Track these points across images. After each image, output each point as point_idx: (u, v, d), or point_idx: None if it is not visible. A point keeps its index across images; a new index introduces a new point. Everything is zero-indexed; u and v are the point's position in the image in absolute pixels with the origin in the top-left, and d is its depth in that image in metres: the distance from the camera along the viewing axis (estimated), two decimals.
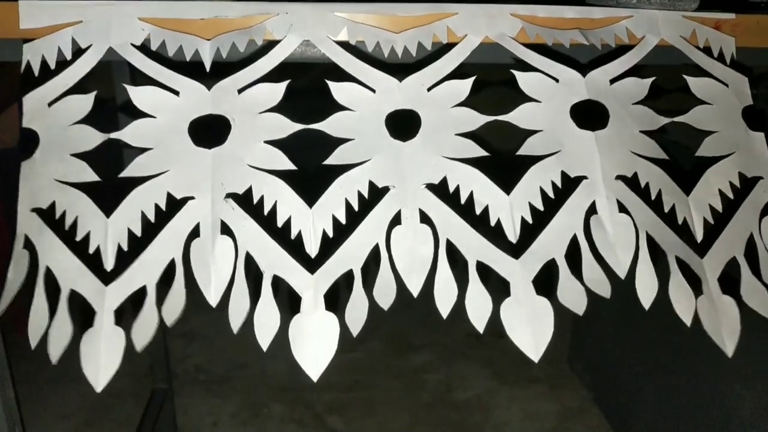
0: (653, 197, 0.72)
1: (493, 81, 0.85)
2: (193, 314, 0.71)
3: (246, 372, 1.90)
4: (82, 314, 0.67)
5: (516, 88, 0.75)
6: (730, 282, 0.71)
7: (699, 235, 0.72)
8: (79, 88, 0.71)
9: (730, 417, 1.19)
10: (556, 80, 0.75)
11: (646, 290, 0.68)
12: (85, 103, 0.70)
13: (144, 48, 0.72)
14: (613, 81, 0.76)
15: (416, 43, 0.75)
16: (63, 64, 0.71)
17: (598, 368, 1.66)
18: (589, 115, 0.74)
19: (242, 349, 1.91)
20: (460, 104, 0.73)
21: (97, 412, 1.73)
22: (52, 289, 0.67)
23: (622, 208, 0.70)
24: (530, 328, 0.66)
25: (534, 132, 0.73)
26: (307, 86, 0.79)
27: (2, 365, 0.77)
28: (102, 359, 0.64)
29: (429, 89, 0.74)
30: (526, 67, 0.75)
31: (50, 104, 0.70)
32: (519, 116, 0.73)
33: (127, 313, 0.67)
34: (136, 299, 0.67)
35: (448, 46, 0.75)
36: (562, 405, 1.64)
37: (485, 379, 1.85)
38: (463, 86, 0.74)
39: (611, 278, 0.68)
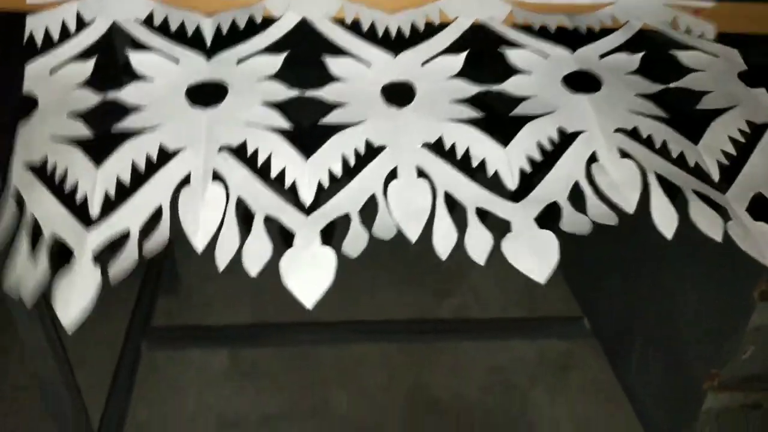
0: (658, 146, 0.70)
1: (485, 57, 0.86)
2: None
3: None
4: (61, 260, 0.64)
5: (506, 64, 0.76)
6: (758, 214, 0.66)
7: (715, 176, 0.68)
8: (81, 58, 0.72)
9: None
10: (546, 56, 0.76)
11: (665, 219, 0.64)
12: (85, 67, 0.72)
13: (147, 22, 0.74)
14: (602, 56, 0.77)
15: (409, 24, 0.78)
16: (65, 36, 0.74)
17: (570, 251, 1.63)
18: (582, 83, 0.74)
19: None
20: (454, 76, 0.74)
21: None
22: (35, 237, 0.65)
23: (625, 155, 0.68)
24: (534, 254, 0.62)
25: (528, 98, 0.73)
26: (306, 58, 0.80)
27: None
28: (74, 297, 0.60)
29: (423, 64, 0.75)
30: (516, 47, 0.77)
31: (51, 72, 0.72)
32: (512, 85, 0.74)
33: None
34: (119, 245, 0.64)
35: (440, 27, 0.78)
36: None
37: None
38: (457, 60, 0.75)
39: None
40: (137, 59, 0.72)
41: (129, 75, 0.71)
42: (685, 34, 0.80)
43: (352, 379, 1.53)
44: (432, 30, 0.78)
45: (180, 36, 0.74)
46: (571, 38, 0.79)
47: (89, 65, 0.72)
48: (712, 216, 0.64)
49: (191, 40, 0.75)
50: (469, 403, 1.50)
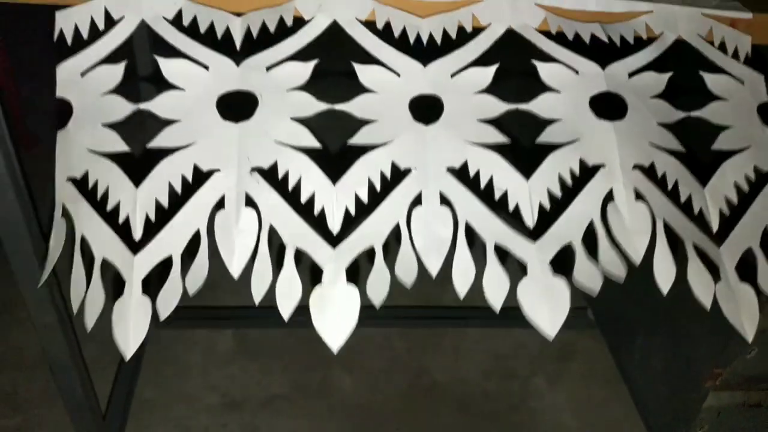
0: (670, 187, 0.73)
1: (515, 69, 0.86)
2: None
3: None
4: (113, 282, 0.69)
5: (537, 78, 0.76)
6: (747, 270, 0.72)
7: (715, 226, 0.73)
8: (111, 59, 0.72)
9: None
10: (576, 72, 0.76)
11: (665, 274, 0.69)
12: (116, 72, 0.71)
13: (175, 21, 0.73)
14: (631, 75, 0.77)
15: (441, 30, 0.76)
16: (95, 33, 0.72)
17: None
18: (609, 105, 0.76)
19: None
20: (483, 91, 0.74)
21: None
22: (88, 255, 0.69)
23: (639, 196, 0.71)
24: (547, 305, 0.67)
25: (554, 121, 0.74)
26: (335, 62, 0.80)
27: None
28: (131, 328, 0.66)
29: (452, 75, 0.75)
30: (548, 58, 0.77)
31: (83, 74, 0.71)
32: (539, 105, 0.75)
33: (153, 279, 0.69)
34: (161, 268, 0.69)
35: (473, 32, 0.77)
36: None
37: None
38: (486, 74, 0.75)
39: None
40: (168, 67, 0.71)
41: (159, 82, 0.70)
42: (717, 51, 0.80)
43: (355, 361, 1.56)
44: (464, 35, 0.77)
45: (209, 36, 0.73)
46: (603, 48, 0.79)
47: (119, 69, 0.71)
48: (706, 281, 0.69)
49: (221, 40, 0.73)
50: (470, 389, 1.53)
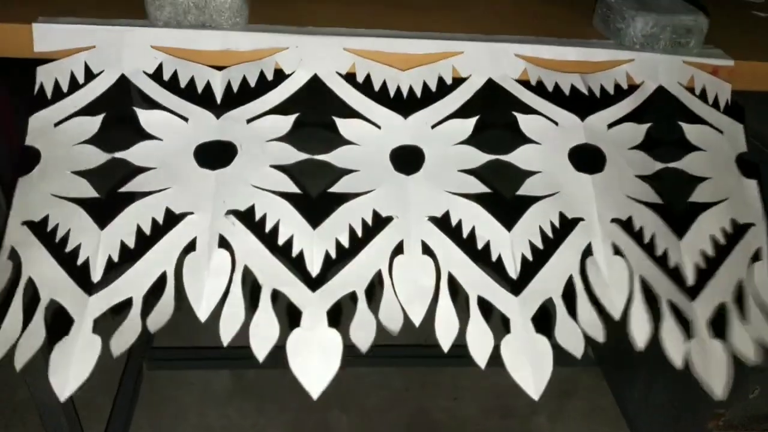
0: (647, 241, 0.74)
1: (495, 121, 0.87)
2: None
3: None
4: (58, 324, 0.65)
5: (517, 129, 0.76)
6: (720, 326, 0.73)
7: (690, 280, 0.73)
8: (87, 110, 0.72)
9: None
10: (556, 123, 0.77)
11: (640, 332, 0.69)
12: (91, 124, 0.71)
13: (155, 76, 0.73)
14: (610, 126, 0.78)
15: (421, 82, 0.77)
16: (74, 87, 0.72)
17: None
18: (588, 156, 0.76)
19: None
20: (463, 142, 0.75)
21: None
22: (31, 300, 0.66)
23: (617, 251, 0.72)
24: (530, 366, 0.66)
25: (533, 173, 0.75)
26: (315, 116, 0.80)
27: None
28: (72, 368, 0.62)
29: (433, 127, 0.75)
30: (528, 109, 0.77)
31: (56, 125, 0.71)
32: (519, 157, 0.75)
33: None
34: (119, 309, 0.66)
35: (453, 83, 0.77)
36: None
37: None
38: (466, 125, 0.76)
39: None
40: (145, 118, 0.72)
41: (136, 131, 0.71)
42: (697, 100, 0.80)
43: (352, 401, 1.54)
44: (444, 87, 0.77)
45: (189, 90, 0.74)
46: (583, 98, 0.79)
47: (96, 121, 0.71)
48: (677, 339, 0.70)
49: (201, 94, 0.74)
50: (470, 428, 1.50)
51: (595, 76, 0.79)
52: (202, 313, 0.64)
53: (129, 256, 0.67)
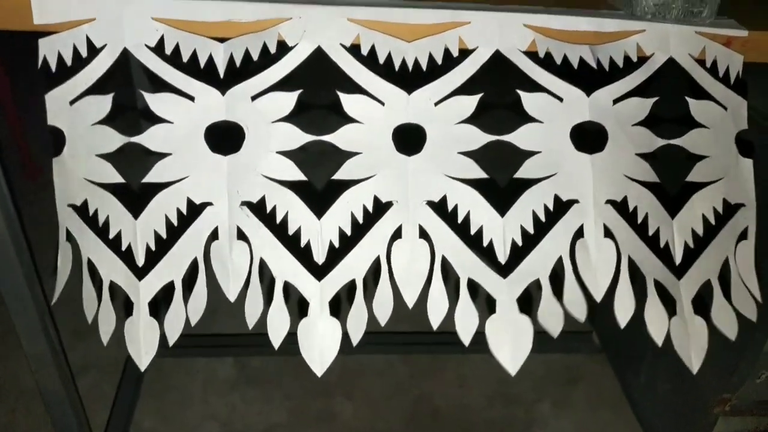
0: (639, 221, 0.76)
1: (499, 99, 0.87)
2: None
3: None
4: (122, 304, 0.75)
5: (520, 106, 0.76)
6: (703, 303, 0.76)
7: (678, 258, 0.76)
8: (97, 87, 0.73)
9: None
10: (561, 99, 0.76)
11: (623, 311, 0.73)
12: (104, 103, 0.72)
13: (158, 49, 0.72)
14: (616, 101, 0.77)
15: (427, 54, 0.75)
16: (79, 60, 0.72)
17: None
18: (589, 135, 0.77)
19: None
20: (465, 121, 0.75)
21: None
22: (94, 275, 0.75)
23: (608, 233, 0.75)
24: (510, 344, 0.73)
25: (533, 153, 0.75)
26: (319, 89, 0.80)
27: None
28: (142, 346, 0.73)
29: (436, 104, 0.75)
30: (533, 84, 0.76)
31: (71, 103, 0.72)
32: (520, 137, 0.75)
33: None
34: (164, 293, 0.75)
35: (460, 54, 0.76)
36: None
37: None
38: (469, 103, 0.75)
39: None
40: (155, 103, 0.72)
41: (144, 111, 0.72)
42: (706, 73, 0.79)
43: (356, 388, 1.54)
44: (450, 59, 0.75)
45: (192, 64, 0.72)
46: (592, 69, 0.77)
47: (107, 102, 0.72)
48: (661, 317, 0.74)
49: (204, 68, 0.73)
50: (474, 415, 1.50)
51: (604, 48, 0.77)
52: (231, 295, 0.73)
53: (162, 244, 0.74)
